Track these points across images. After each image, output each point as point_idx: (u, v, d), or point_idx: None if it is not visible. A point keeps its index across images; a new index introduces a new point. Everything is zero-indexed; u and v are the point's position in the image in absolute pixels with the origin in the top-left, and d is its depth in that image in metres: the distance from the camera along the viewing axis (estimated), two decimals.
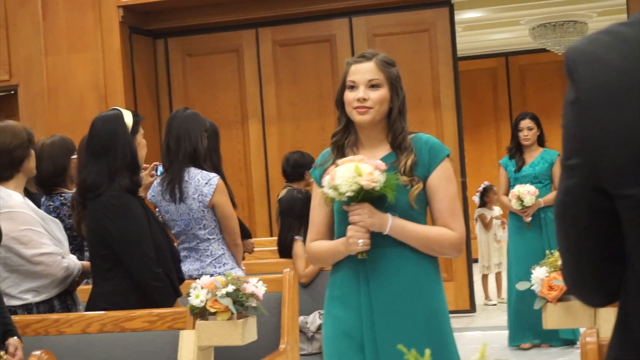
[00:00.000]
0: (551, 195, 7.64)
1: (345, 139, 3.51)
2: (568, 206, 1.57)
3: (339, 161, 3.33)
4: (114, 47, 9.10)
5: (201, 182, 4.96)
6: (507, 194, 8.00)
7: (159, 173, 5.28)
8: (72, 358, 3.97)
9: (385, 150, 3.47)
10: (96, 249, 4.30)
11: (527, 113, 8.14)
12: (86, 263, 4.60)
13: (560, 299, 3.75)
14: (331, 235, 3.55)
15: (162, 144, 5.16)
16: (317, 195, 3.54)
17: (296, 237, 5.91)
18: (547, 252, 4.01)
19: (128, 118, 4.37)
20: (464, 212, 9.28)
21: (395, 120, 3.44)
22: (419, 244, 3.36)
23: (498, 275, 10.93)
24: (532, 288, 3.83)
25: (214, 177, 5.00)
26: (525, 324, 7.73)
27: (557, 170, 7.55)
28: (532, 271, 3.87)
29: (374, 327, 3.34)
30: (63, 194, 5.20)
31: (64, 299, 4.50)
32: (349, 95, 3.43)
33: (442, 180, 3.40)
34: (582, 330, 3.18)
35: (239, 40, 9.69)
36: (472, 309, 9.48)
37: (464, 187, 9.25)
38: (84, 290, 4.59)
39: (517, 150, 7.97)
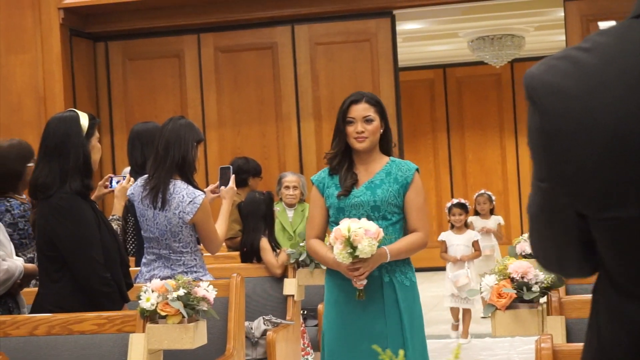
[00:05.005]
0: (405, 243, 4.35)
1: None
2: (541, 215, 1.58)
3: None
4: (54, 49, 9.01)
5: (185, 199, 4.69)
6: (321, 235, 4.56)
7: (112, 186, 5.22)
8: None
9: None
10: (43, 250, 4.25)
11: (362, 93, 4.52)
12: (29, 265, 4.52)
13: (509, 307, 3.80)
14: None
15: (153, 149, 4.92)
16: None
17: (262, 237, 5.95)
18: None
19: (84, 120, 4.30)
20: None
21: None
22: None
23: None
24: (481, 295, 3.87)
25: (199, 196, 4.71)
26: None
27: (414, 198, 4.40)
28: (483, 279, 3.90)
29: None
30: (10, 200, 5.09)
31: (5, 302, 4.41)
32: None
33: None
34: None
35: (181, 45, 9.66)
36: None
37: None
38: (29, 292, 4.52)
39: (342, 159, 4.48)
